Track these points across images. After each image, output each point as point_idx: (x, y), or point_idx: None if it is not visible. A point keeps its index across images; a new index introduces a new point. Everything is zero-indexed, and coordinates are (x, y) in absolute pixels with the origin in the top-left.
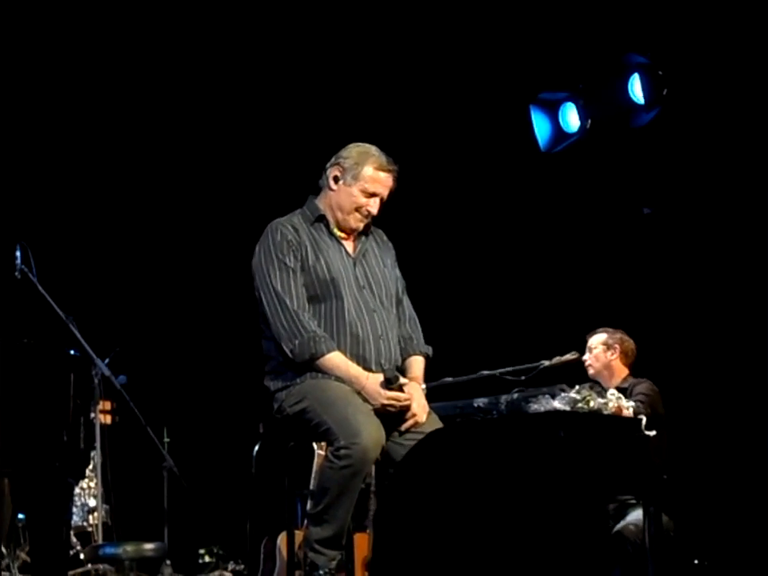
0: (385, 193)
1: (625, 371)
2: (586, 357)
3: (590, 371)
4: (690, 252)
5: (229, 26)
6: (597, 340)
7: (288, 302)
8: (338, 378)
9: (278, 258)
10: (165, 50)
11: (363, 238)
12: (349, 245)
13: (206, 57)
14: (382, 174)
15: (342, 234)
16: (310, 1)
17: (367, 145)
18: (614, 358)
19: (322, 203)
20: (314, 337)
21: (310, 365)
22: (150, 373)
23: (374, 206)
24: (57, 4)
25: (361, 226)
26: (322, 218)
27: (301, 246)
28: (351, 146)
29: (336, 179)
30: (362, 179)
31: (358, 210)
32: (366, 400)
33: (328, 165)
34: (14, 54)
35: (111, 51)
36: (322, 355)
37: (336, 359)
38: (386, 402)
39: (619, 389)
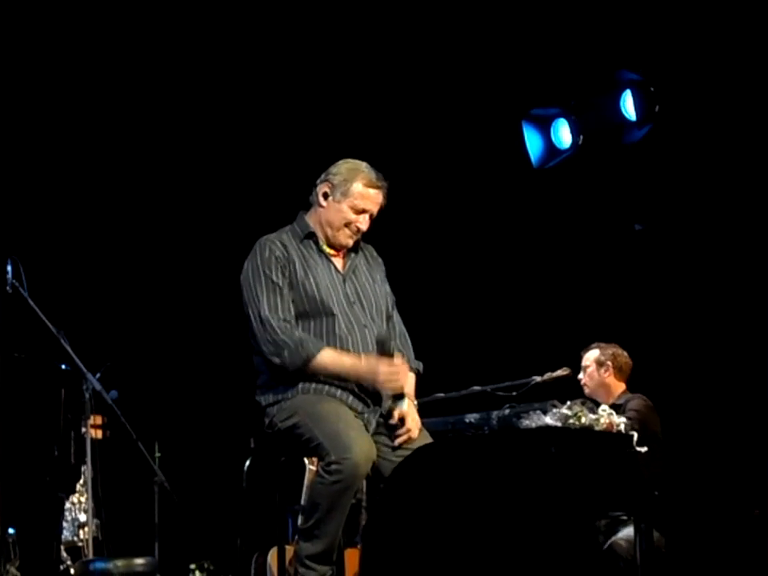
0: (375, 209)
1: (621, 387)
2: (580, 376)
3: (586, 390)
4: (683, 268)
5: (220, 41)
6: (589, 358)
7: (274, 318)
8: (330, 393)
9: (265, 274)
10: (152, 76)
11: (353, 254)
12: (338, 261)
13: (196, 72)
14: (372, 191)
15: (332, 251)
16: (304, 19)
17: (357, 161)
18: (608, 375)
19: (311, 220)
20: (301, 342)
21: (304, 371)
22: (141, 387)
23: (363, 222)
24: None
25: (350, 242)
26: (311, 235)
27: (289, 263)
28: (340, 162)
29: (326, 196)
30: (352, 196)
31: (347, 226)
32: (357, 416)
33: (318, 181)
34: (4, 69)
35: (101, 77)
36: (314, 356)
37: (327, 357)
38: (384, 377)
39: (614, 405)
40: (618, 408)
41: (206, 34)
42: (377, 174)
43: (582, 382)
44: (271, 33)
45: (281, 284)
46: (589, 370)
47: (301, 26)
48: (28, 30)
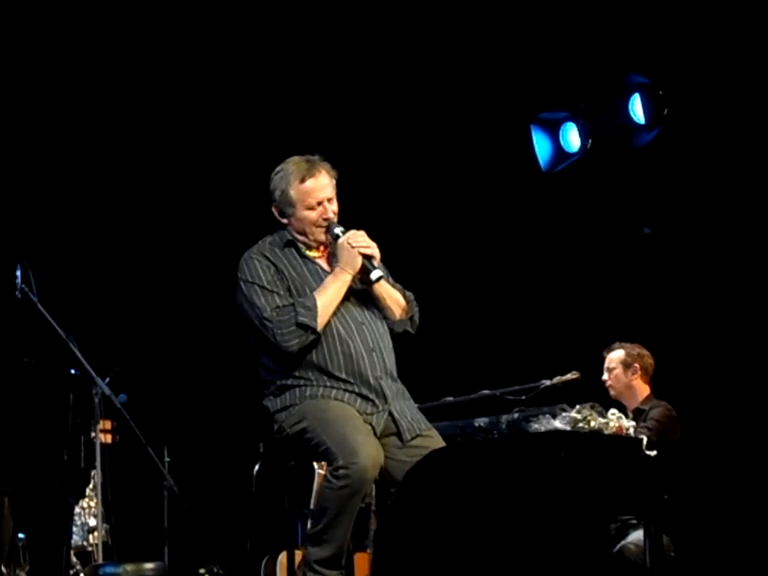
0: (327, 191)
1: (646, 390)
2: (605, 377)
3: (611, 392)
4: (691, 272)
5: (223, 46)
6: (615, 359)
7: (274, 311)
8: (338, 397)
9: (258, 284)
10: (162, 89)
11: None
12: (323, 263)
13: (183, 82)
14: (312, 181)
15: (315, 254)
16: (313, 26)
17: (283, 164)
18: (635, 377)
19: (287, 231)
20: (300, 304)
21: (323, 319)
22: (150, 392)
23: (327, 210)
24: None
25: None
26: (291, 243)
27: (278, 271)
28: (271, 175)
29: (281, 214)
30: (298, 200)
31: (317, 225)
32: (366, 421)
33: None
34: (9, 72)
35: (114, 87)
36: (315, 300)
37: (319, 293)
38: (352, 240)
39: (638, 410)
40: (641, 412)
41: (209, 37)
42: (306, 162)
43: (608, 384)
44: (279, 40)
45: (275, 290)
46: (615, 372)
47: (307, 33)
48: (31, 35)
